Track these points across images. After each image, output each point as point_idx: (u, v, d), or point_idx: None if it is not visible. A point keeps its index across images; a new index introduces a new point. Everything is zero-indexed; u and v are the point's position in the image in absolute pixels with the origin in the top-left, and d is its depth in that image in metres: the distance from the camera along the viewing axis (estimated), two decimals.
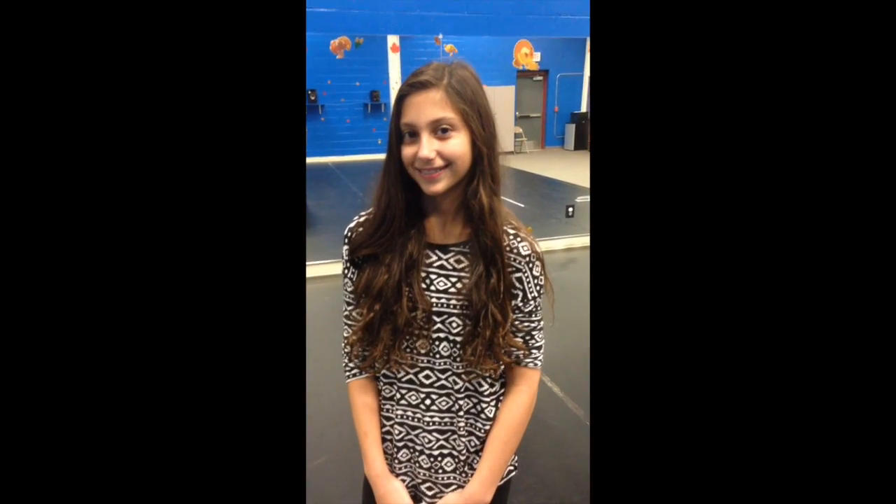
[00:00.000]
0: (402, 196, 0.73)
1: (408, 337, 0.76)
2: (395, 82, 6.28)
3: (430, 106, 0.67)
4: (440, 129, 0.67)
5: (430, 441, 0.80)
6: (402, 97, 0.69)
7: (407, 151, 0.69)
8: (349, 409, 0.84)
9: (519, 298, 0.76)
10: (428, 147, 0.67)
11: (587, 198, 5.62)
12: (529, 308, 0.77)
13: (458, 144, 0.68)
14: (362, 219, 0.79)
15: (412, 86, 0.68)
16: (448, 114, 0.67)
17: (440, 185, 0.69)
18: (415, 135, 0.68)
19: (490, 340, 0.73)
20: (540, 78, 11.31)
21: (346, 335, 0.82)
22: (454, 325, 0.75)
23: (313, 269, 3.77)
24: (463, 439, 0.80)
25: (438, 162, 0.68)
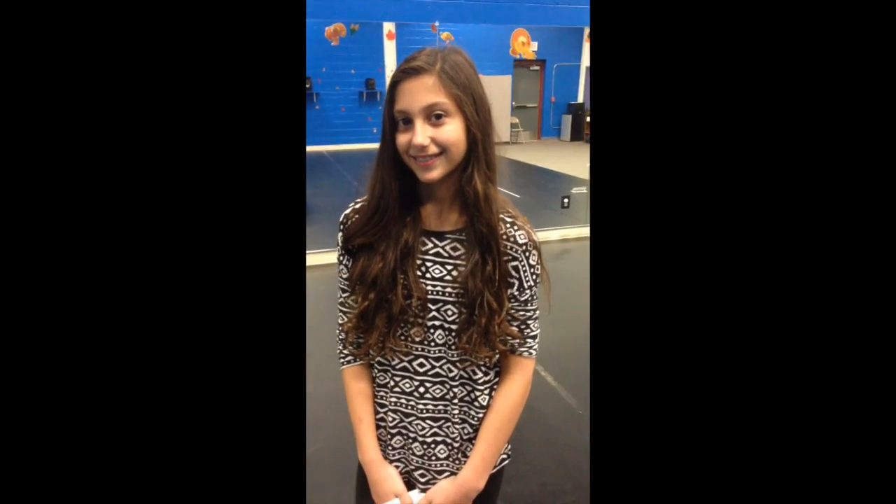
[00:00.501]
0: (396, 185, 0.73)
1: (402, 325, 0.76)
2: (390, 70, 6.24)
3: (423, 92, 0.66)
4: (434, 115, 0.67)
5: (423, 428, 0.81)
6: (395, 84, 0.68)
7: (401, 139, 0.69)
8: (343, 396, 0.84)
9: (515, 287, 0.76)
10: (422, 134, 0.66)
11: (583, 189, 5.62)
12: (525, 297, 0.77)
13: (453, 131, 0.68)
14: (357, 206, 0.78)
15: (405, 72, 0.67)
16: (441, 99, 0.66)
17: (435, 173, 0.69)
18: (409, 122, 0.68)
19: (486, 328, 0.73)
20: (537, 68, 11.25)
21: (340, 322, 0.82)
22: (449, 312, 0.75)
23: (309, 258, 3.76)
24: (456, 427, 0.80)
25: (433, 149, 0.67)
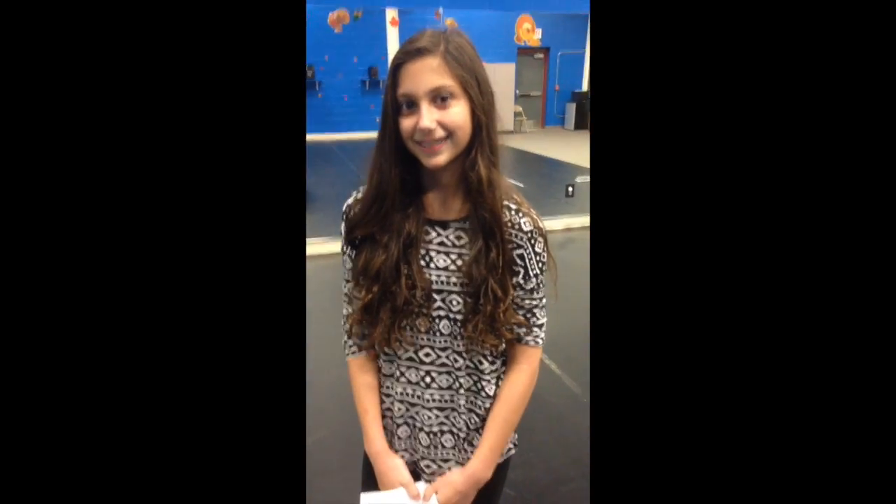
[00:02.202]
0: (396, 172, 0.71)
1: (407, 316, 0.75)
2: None
3: (429, 73, 0.64)
4: (440, 98, 0.65)
5: (429, 418, 0.80)
6: (397, 66, 0.66)
7: (405, 123, 0.67)
8: (349, 384, 0.84)
9: (520, 275, 0.75)
10: (428, 117, 0.65)
11: (587, 178, 5.59)
12: (531, 285, 0.76)
13: (459, 113, 0.66)
14: (360, 195, 0.77)
15: (408, 53, 0.65)
16: (447, 81, 0.65)
17: (441, 158, 0.67)
18: (413, 105, 0.66)
19: (491, 316, 0.72)
20: (541, 56, 11.13)
21: (345, 313, 0.81)
22: (454, 302, 0.74)
23: (312, 247, 3.75)
24: (463, 417, 0.80)
25: (439, 133, 0.66)
